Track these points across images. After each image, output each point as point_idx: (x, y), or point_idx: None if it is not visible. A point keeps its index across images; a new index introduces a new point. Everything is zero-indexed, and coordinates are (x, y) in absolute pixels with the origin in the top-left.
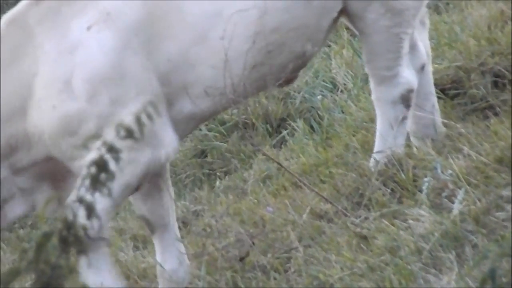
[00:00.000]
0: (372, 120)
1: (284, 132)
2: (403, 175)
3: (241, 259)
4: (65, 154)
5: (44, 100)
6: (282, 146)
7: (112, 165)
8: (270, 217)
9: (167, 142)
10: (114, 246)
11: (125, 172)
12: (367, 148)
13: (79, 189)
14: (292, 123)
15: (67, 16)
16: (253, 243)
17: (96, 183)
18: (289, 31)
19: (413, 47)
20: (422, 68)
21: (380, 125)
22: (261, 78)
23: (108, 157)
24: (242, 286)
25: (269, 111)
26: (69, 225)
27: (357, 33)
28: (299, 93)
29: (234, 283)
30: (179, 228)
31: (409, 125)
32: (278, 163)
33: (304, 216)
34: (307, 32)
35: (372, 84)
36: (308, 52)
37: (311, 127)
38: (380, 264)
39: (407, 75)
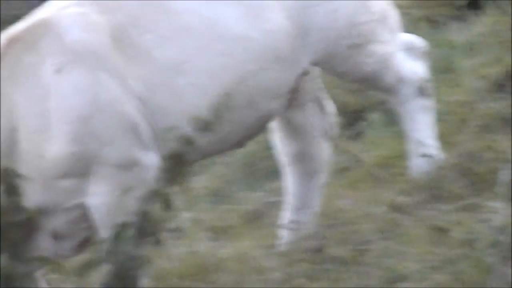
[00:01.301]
0: (451, 112)
1: (361, 124)
2: (480, 167)
3: (318, 251)
4: (59, 198)
5: (31, 152)
6: (359, 138)
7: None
8: (346, 209)
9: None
10: (191, 237)
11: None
12: (445, 139)
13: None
14: (369, 115)
15: (34, 66)
16: (329, 235)
17: (172, 176)
18: (256, 85)
19: (321, 107)
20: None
21: (408, 124)
22: (227, 135)
23: (184, 150)
24: (318, 277)
25: (346, 103)
26: (146, 216)
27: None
28: None
29: (309, 274)
30: (253, 219)
31: None
32: (355, 155)
33: (381, 208)
34: (274, 89)
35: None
36: (274, 111)
37: (388, 119)
38: (456, 257)
39: (416, 70)
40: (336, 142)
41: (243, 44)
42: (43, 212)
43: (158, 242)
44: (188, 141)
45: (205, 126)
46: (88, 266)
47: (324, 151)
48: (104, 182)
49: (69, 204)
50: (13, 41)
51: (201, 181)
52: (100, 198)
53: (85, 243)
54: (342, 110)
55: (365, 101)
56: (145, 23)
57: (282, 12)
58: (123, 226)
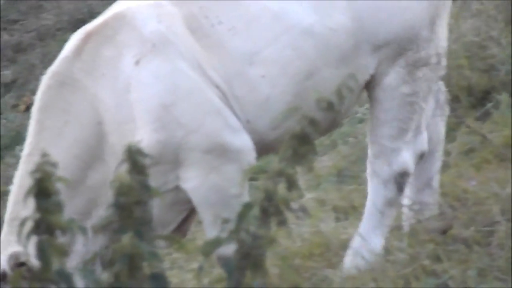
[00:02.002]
0: None
1: (488, 105)
2: None
3: (443, 232)
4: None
5: (119, 143)
6: (486, 118)
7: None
8: (473, 190)
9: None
10: (315, 217)
11: None
12: None
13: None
14: (497, 96)
15: (113, 59)
16: (455, 216)
17: (296, 156)
18: (324, 80)
19: (417, 132)
20: (421, 156)
21: (369, 204)
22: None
23: (309, 130)
24: (444, 258)
25: (473, 83)
26: (270, 196)
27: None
28: (503, 64)
29: (435, 255)
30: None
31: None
32: (482, 136)
33: (508, 189)
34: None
35: (369, 157)
36: (340, 114)
37: None
38: None
39: (407, 156)
40: (462, 121)
41: (310, 39)
42: None
43: (282, 222)
44: (312, 122)
45: (328, 107)
46: (213, 245)
47: (438, 129)
48: (197, 167)
49: (162, 191)
50: (90, 35)
51: (325, 161)
52: (195, 182)
53: (181, 227)
54: (470, 91)
55: (493, 82)
56: (216, 14)
57: (349, 13)
58: (248, 206)
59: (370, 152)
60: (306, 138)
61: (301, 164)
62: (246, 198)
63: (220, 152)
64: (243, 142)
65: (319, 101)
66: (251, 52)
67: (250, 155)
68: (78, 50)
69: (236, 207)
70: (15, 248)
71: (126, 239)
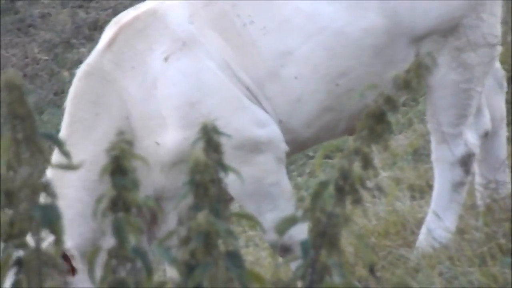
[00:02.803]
0: None
1: None
2: None
3: None
4: (175, 184)
5: (146, 139)
6: None
7: (389, 117)
8: None
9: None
10: (391, 196)
11: None
12: None
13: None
14: None
15: (143, 52)
16: None
17: (372, 135)
18: (357, 78)
19: (478, 111)
20: (485, 134)
21: (436, 189)
22: (331, 122)
23: (385, 108)
24: None
25: None
26: (345, 175)
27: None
28: None
29: (510, 234)
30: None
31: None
32: None
33: None
34: (375, 81)
35: (433, 143)
36: None
37: None
38: None
39: (470, 138)
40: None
41: (342, 40)
42: (164, 196)
43: (357, 201)
44: (388, 100)
45: (405, 84)
46: (287, 223)
47: (499, 106)
48: (229, 162)
49: None
50: (122, 28)
51: (401, 139)
52: (229, 177)
53: None
54: None
55: None
56: (248, 13)
57: (382, 12)
58: (323, 185)
59: (432, 138)
60: (382, 116)
61: (377, 143)
62: (285, 184)
63: (251, 146)
64: (273, 132)
65: (396, 79)
66: (283, 52)
67: (281, 144)
68: (110, 42)
69: (275, 194)
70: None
71: (202, 217)
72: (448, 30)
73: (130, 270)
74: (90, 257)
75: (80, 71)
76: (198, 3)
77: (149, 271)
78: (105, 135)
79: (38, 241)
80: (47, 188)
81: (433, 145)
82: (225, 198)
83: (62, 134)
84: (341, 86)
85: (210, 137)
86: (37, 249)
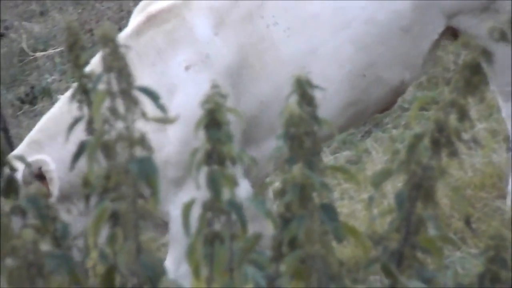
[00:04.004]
0: None
1: None
2: None
3: None
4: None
5: (152, 133)
6: None
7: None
8: None
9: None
10: (487, 147)
11: None
12: None
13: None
14: None
15: (166, 53)
16: None
17: (468, 87)
18: (385, 63)
19: None
20: None
21: None
22: (357, 114)
23: (481, 59)
24: None
25: None
26: (441, 127)
27: None
28: None
29: None
30: None
31: None
32: None
33: None
34: (404, 61)
35: (500, 102)
36: (406, 81)
37: None
38: None
39: None
40: None
41: (371, 29)
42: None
43: (453, 153)
44: (483, 52)
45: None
46: (383, 176)
47: None
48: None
49: None
50: (150, 20)
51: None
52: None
53: None
54: None
55: None
56: (272, 14)
57: None
58: (418, 137)
59: (499, 98)
60: (478, 68)
61: (473, 95)
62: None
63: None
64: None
65: (491, 30)
66: (306, 52)
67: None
68: (137, 31)
69: None
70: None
71: (297, 169)
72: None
73: (225, 223)
74: (184, 210)
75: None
76: (224, 6)
77: (244, 224)
78: None
79: (134, 194)
80: (143, 141)
81: (500, 104)
82: (319, 151)
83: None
84: (368, 76)
85: (303, 90)
86: (133, 202)
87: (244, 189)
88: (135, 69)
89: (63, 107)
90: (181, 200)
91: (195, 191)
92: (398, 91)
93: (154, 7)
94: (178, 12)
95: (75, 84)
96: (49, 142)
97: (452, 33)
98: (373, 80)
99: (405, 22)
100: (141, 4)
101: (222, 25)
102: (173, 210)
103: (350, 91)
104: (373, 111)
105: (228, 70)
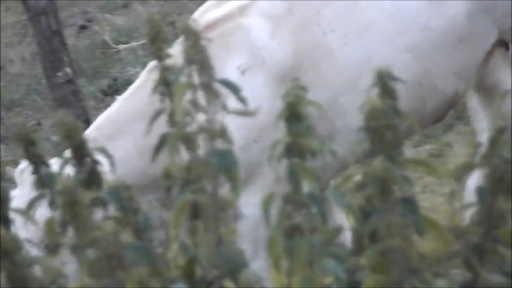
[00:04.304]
0: None
1: None
2: None
3: None
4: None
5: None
6: None
7: None
8: None
9: None
10: None
11: None
12: None
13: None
14: None
15: (222, 56)
16: None
17: None
18: (441, 72)
19: None
20: None
21: None
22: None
23: None
24: None
25: None
26: None
27: None
28: None
29: None
30: None
31: None
32: None
33: None
34: (459, 71)
35: None
36: (460, 91)
37: None
38: None
39: None
40: None
41: (427, 36)
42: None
43: None
44: None
45: None
46: (465, 169)
47: None
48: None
49: None
50: (207, 28)
51: None
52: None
53: None
54: None
55: None
56: (329, 21)
57: None
58: (500, 130)
59: None
60: None
61: None
62: None
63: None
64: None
65: None
66: (363, 60)
67: (326, 174)
68: None
69: None
70: None
71: (377, 162)
72: None
73: (304, 215)
74: (264, 203)
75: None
76: (280, 13)
77: (324, 217)
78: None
79: (215, 186)
80: (223, 133)
81: None
82: (400, 144)
83: (127, 95)
84: (425, 85)
85: (385, 82)
86: (214, 194)
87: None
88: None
89: (121, 108)
90: (247, 199)
91: (259, 191)
92: (452, 102)
93: (210, 16)
94: (234, 19)
95: (156, 77)
96: (106, 141)
97: (503, 45)
98: (429, 89)
99: (459, 30)
100: (202, 8)
101: (279, 31)
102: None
103: (406, 100)
104: (427, 122)
105: (284, 75)
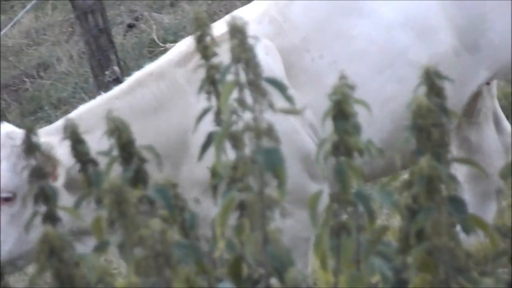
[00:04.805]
0: None
1: None
2: None
3: None
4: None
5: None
6: None
7: None
8: None
9: None
10: None
11: None
12: None
13: None
14: None
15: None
16: None
17: None
18: None
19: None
20: None
21: None
22: (392, 160)
23: None
24: None
25: None
26: None
27: None
28: None
29: None
30: None
31: None
32: None
33: None
34: None
35: None
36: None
37: None
38: None
39: None
40: None
41: (415, 71)
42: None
43: None
44: None
45: None
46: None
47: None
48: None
49: None
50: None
51: None
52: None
53: None
54: None
55: None
56: (318, 47)
57: (452, 32)
58: None
59: None
60: None
61: None
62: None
63: (296, 197)
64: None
65: None
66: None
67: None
68: (186, 59)
69: (303, 250)
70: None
71: (424, 161)
72: None
73: (351, 214)
74: (311, 201)
75: (151, 70)
76: (270, 35)
77: (371, 216)
78: (156, 131)
79: (261, 184)
80: (270, 132)
81: None
82: (447, 143)
83: (112, 95)
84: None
85: (432, 81)
86: (260, 192)
87: None
88: (189, 96)
89: (101, 101)
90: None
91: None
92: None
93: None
94: (226, 37)
95: (203, 75)
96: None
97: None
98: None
99: (447, 67)
100: (186, 38)
101: (271, 47)
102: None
103: (388, 134)
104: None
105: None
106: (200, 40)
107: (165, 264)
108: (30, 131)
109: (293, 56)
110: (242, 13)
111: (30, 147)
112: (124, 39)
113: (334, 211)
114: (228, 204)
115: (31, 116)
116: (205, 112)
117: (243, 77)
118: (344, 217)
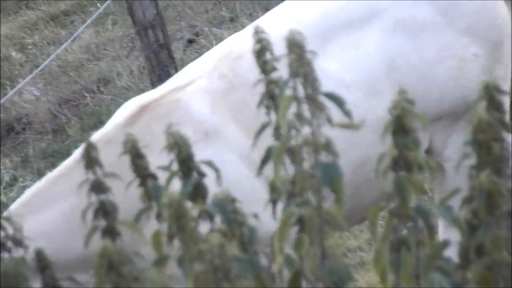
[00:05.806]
0: None
1: None
2: None
3: None
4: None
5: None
6: None
7: None
8: None
9: None
10: None
11: None
12: None
13: None
14: None
15: (160, 136)
16: None
17: None
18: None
19: None
20: None
21: None
22: (349, 212)
23: None
24: None
25: None
26: None
27: None
28: None
29: None
30: None
31: None
32: None
33: None
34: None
35: None
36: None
37: None
38: None
39: None
40: None
41: (364, 129)
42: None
43: None
44: None
45: None
46: None
47: None
48: None
49: None
50: (145, 109)
51: None
52: None
53: None
54: None
55: None
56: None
57: (394, 87)
58: None
59: None
60: None
61: None
62: None
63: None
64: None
65: None
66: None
67: None
68: (132, 120)
69: None
70: None
71: (484, 176)
72: (462, 112)
73: (411, 229)
74: (372, 215)
75: (100, 137)
76: (219, 91)
77: (431, 231)
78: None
79: (319, 199)
80: (328, 146)
81: None
82: (507, 158)
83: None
84: (360, 176)
85: (492, 95)
86: (319, 207)
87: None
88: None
89: (50, 185)
90: None
91: None
92: (390, 198)
93: (145, 98)
94: (172, 97)
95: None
96: (29, 215)
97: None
98: (364, 181)
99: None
100: (131, 100)
101: (219, 105)
102: None
103: (350, 184)
104: (361, 216)
105: (229, 145)
106: (259, 55)
107: (224, 279)
108: (89, 146)
109: (245, 111)
110: (192, 69)
111: (90, 161)
112: (184, 54)
113: (393, 226)
114: (287, 219)
115: (92, 131)
116: (264, 127)
117: (301, 92)
118: (404, 232)
